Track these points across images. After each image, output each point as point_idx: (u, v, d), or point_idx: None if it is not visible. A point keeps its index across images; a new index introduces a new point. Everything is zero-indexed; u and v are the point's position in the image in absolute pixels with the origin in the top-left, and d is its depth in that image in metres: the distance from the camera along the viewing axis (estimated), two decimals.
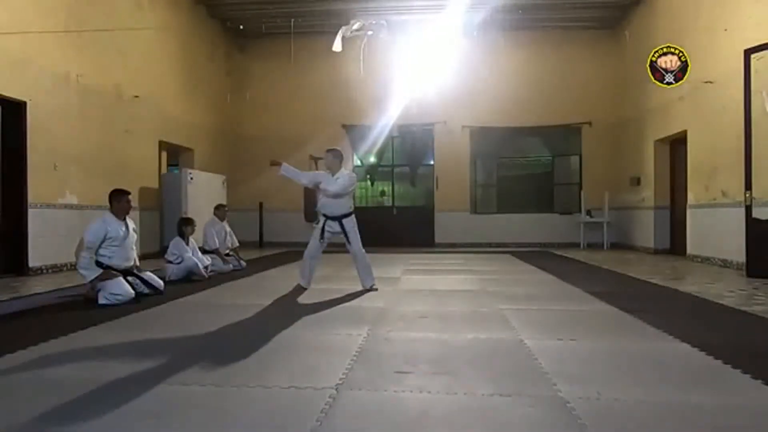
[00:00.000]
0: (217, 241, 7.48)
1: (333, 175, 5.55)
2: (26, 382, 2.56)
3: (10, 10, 6.68)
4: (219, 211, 7.88)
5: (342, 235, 5.53)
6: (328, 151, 5.68)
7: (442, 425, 2.03)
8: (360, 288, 5.54)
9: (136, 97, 9.16)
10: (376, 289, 5.48)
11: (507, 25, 12.13)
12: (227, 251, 7.68)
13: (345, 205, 5.56)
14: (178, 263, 6.34)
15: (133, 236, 5.24)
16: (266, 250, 11.75)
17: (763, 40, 6.35)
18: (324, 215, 5.59)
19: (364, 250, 5.56)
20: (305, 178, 5.74)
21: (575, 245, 12.36)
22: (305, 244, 5.80)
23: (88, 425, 2.03)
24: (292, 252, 10.39)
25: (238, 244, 8.14)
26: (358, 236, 5.54)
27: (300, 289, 5.51)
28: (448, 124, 12.89)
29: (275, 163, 5.60)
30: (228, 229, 7.87)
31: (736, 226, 7.01)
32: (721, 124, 7.83)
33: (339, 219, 5.51)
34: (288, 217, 12.63)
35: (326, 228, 5.56)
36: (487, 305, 4.61)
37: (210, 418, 2.10)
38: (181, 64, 10.85)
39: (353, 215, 5.62)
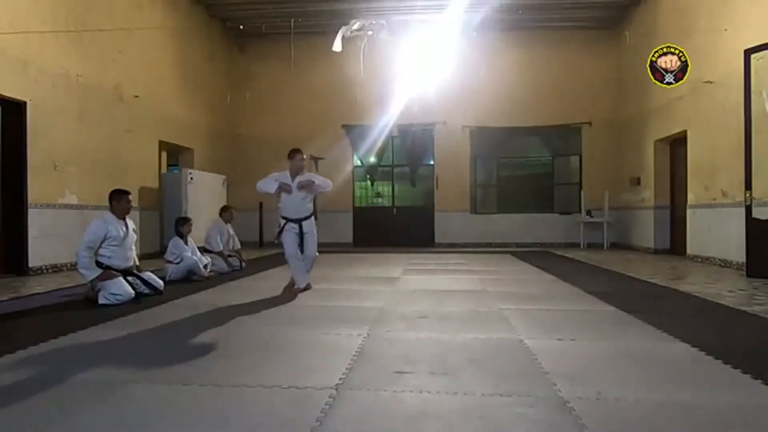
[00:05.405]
0: (220, 243, 7.45)
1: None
2: (26, 382, 2.55)
3: (10, 10, 6.68)
4: (226, 213, 7.81)
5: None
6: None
7: (442, 425, 2.03)
8: (360, 288, 5.52)
9: (136, 97, 9.17)
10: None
11: (507, 25, 12.14)
12: (229, 253, 7.66)
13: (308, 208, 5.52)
14: (178, 263, 6.35)
15: (133, 236, 5.25)
16: (266, 250, 11.73)
17: (763, 40, 6.35)
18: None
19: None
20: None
21: (575, 245, 12.36)
22: None
23: (87, 425, 2.03)
24: None
25: (240, 246, 8.12)
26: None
27: (300, 290, 5.50)
28: (448, 124, 12.89)
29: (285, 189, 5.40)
30: (231, 231, 7.83)
31: (736, 226, 7.01)
32: (721, 124, 7.83)
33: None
34: None
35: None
36: (487, 305, 4.61)
37: (210, 418, 2.10)
38: (181, 64, 10.85)
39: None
